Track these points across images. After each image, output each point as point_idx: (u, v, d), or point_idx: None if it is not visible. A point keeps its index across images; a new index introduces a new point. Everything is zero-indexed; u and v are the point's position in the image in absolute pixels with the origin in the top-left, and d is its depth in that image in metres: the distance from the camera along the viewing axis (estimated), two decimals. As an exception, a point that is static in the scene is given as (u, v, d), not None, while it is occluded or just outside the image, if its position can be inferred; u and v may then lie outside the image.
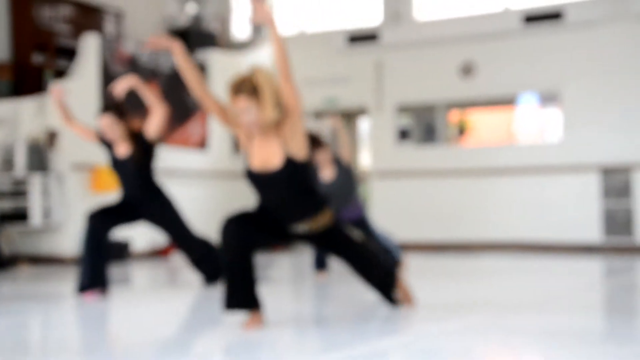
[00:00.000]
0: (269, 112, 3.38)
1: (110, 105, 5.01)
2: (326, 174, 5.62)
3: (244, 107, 3.39)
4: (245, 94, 3.39)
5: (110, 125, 4.87)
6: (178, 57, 3.50)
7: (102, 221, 4.81)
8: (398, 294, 3.87)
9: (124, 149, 4.95)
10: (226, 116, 3.53)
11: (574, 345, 2.88)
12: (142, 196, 4.93)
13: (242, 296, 3.29)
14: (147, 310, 4.40)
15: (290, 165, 3.40)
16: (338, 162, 5.78)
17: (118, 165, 4.95)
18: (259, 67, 3.44)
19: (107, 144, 5.03)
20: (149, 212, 4.97)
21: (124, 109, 5.01)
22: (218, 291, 4.97)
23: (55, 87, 5.15)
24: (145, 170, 4.94)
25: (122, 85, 4.76)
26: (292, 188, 3.44)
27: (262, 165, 3.43)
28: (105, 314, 4.12)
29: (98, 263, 4.68)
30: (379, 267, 3.75)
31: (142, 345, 3.17)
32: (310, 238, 3.58)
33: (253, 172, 3.46)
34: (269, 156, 3.45)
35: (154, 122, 4.91)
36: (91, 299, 4.57)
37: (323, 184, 5.67)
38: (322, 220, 3.51)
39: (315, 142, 5.51)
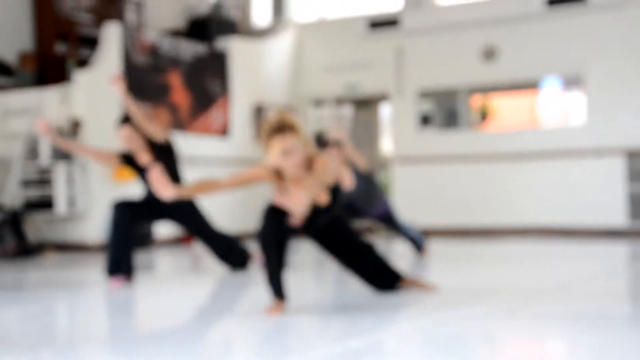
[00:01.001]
0: (310, 146, 3.39)
1: (128, 116, 4.97)
2: (345, 183, 5.66)
3: (292, 144, 3.31)
4: (289, 131, 3.32)
5: (130, 137, 4.91)
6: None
7: (129, 210, 4.84)
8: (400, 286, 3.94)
9: (145, 159, 4.99)
10: (258, 178, 3.46)
11: (598, 330, 2.87)
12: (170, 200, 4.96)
13: (277, 285, 3.36)
14: (170, 297, 4.44)
15: (333, 196, 3.54)
16: (356, 170, 5.82)
17: (144, 174, 4.98)
18: (282, 109, 3.43)
19: (129, 160, 5.03)
20: (175, 213, 5.03)
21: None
22: (241, 278, 5.00)
23: (40, 122, 5.01)
24: (170, 173, 4.97)
25: (116, 89, 4.77)
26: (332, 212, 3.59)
27: (303, 207, 3.18)
28: (129, 301, 4.16)
29: (125, 249, 4.72)
30: (383, 273, 3.85)
31: (166, 332, 3.20)
32: (322, 234, 3.67)
33: (289, 214, 3.37)
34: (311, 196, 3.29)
35: (151, 128, 4.88)
36: (116, 285, 4.62)
37: (343, 193, 5.70)
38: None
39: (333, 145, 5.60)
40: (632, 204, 9.16)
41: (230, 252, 5.20)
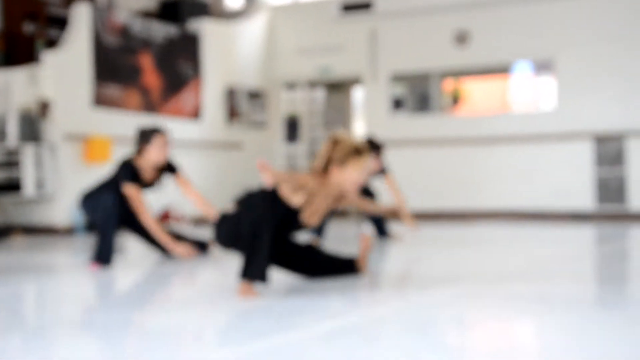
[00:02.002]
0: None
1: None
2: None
3: (366, 169, 3.46)
4: (366, 157, 3.46)
5: (166, 144, 4.91)
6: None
7: (119, 202, 4.81)
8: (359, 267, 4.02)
9: (150, 176, 4.98)
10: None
11: (565, 312, 2.91)
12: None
13: (264, 267, 3.34)
14: (144, 282, 4.42)
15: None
16: None
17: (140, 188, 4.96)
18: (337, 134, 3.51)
19: (136, 178, 4.90)
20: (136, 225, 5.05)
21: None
22: (208, 261, 4.99)
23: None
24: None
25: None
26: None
27: (318, 216, 3.51)
28: (102, 286, 4.13)
29: (114, 238, 4.69)
30: (340, 266, 3.92)
31: (138, 317, 3.18)
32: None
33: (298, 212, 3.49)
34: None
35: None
36: (94, 269, 4.58)
37: None
38: None
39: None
40: (599, 188, 9.29)
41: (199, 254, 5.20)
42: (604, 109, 9.30)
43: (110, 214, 4.65)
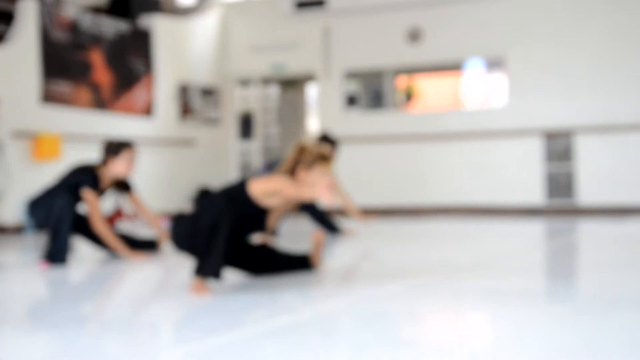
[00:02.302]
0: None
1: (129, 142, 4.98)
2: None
3: (330, 176, 3.69)
4: (330, 165, 3.69)
5: (134, 160, 4.91)
6: None
7: (72, 204, 4.76)
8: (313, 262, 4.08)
9: (105, 187, 4.97)
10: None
11: (516, 304, 2.95)
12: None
13: (218, 264, 3.32)
14: (92, 279, 4.35)
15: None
16: None
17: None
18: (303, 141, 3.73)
19: (96, 186, 4.87)
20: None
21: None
22: (157, 259, 4.94)
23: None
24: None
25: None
26: None
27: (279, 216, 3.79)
28: (54, 283, 4.05)
29: (69, 237, 4.63)
30: (293, 263, 3.98)
31: (91, 315, 3.13)
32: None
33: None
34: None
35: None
36: (44, 267, 4.50)
37: None
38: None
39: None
40: (549, 183, 9.46)
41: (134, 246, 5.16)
42: (553, 105, 9.47)
43: (65, 213, 4.59)
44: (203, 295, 3.29)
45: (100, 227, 4.82)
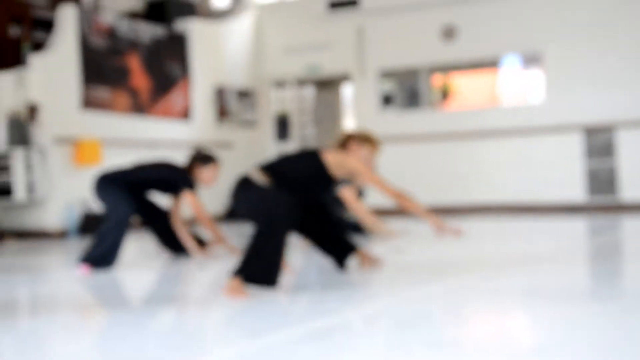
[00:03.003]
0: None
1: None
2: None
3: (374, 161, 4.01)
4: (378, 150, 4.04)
5: (217, 175, 5.16)
6: None
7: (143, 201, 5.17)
8: (355, 260, 4.15)
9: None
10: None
11: (558, 304, 2.91)
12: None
13: (268, 273, 3.32)
14: (130, 282, 4.40)
15: None
16: None
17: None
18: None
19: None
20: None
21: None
22: (185, 262, 4.97)
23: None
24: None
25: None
26: None
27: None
28: (93, 287, 4.11)
29: (121, 243, 4.76)
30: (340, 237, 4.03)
31: (131, 318, 3.17)
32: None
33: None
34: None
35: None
36: (85, 272, 4.57)
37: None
38: None
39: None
40: (590, 180, 9.32)
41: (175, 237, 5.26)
42: (593, 100, 9.32)
43: (123, 223, 4.75)
44: (239, 298, 3.25)
45: (182, 226, 5.12)
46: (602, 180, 9.26)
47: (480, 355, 2.15)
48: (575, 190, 9.37)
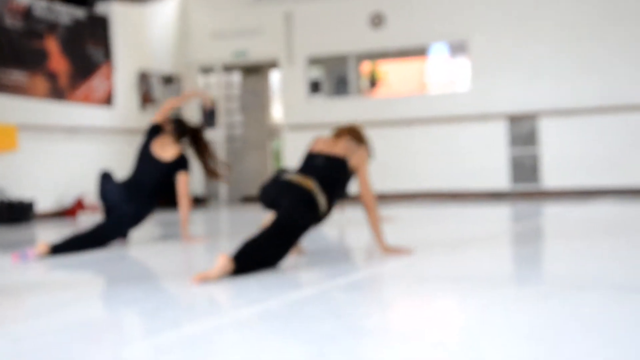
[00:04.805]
0: None
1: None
2: None
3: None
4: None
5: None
6: None
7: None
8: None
9: (166, 154, 5.19)
10: None
11: (482, 289, 2.91)
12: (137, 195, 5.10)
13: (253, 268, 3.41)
14: (58, 276, 4.21)
15: None
16: None
17: (148, 158, 5.15)
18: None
19: (153, 131, 5.25)
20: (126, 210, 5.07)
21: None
22: (125, 251, 4.81)
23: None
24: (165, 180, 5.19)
25: None
26: None
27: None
28: (30, 278, 3.90)
29: (93, 247, 4.76)
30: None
31: (45, 306, 3.00)
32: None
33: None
34: None
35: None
36: (16, 259, 4.40)
37: None
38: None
39: None
40: (513, 167, 9.49)
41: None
42: (517, 89, 9.48)
43: (120, 232, 4.90)
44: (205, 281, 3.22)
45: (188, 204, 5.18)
46: (526, 168, 9.44)
47: (406, 341, 2.10)
48: (500, 178, 9.53)
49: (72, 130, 8.79)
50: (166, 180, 5.18)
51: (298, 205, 3.58)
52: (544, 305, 2.53)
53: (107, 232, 4.83)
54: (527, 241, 4.80)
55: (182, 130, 5.30)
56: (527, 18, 9.45)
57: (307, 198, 3.63)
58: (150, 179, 5.10)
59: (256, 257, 3.39)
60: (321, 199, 3.67)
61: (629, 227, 5.44)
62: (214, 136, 11.24)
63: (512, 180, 9.49)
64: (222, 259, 3.26)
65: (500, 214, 7.15)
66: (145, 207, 5.04)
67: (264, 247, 3.40)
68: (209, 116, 11.34)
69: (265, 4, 10.60)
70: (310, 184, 3.69)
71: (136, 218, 5.00)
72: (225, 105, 11.51)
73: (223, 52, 10.89)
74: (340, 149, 3.96)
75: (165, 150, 5.20)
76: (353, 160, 3.90)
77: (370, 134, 10.08)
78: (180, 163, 5.19)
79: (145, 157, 5.18)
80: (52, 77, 8.66)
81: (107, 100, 9.53)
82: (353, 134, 4.13)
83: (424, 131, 9.90)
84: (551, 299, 2.64)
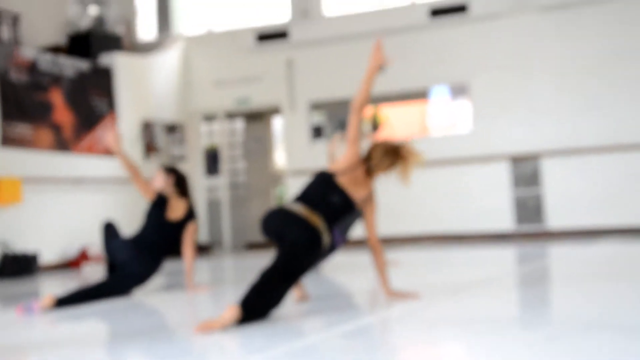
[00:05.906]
0: None
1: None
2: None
3: None
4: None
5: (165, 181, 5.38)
6: None
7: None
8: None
9: (177, 213, 5.25)
10: None
11: (488, 333, 2.88)
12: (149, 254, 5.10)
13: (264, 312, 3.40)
14: (75, 325, 4.19)
15: None
16: None
17: (161, 222, 5.18)
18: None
19: (161, 202, 5.28)
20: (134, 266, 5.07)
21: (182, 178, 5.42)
22: (130, 301, 4.79)
23: (110, 134, 5.41)
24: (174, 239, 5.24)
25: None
26: None
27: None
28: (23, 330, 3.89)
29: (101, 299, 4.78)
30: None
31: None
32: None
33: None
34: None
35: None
36: (20, 312, 4.41)
37: None
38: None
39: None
40: (517, 208, 9.47)
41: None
42: (518, 129, 9.52)
43: (127, 290, 4.91)
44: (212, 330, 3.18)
45: (193, 255, 5.23)
46: (529, 209, 9.43)
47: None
48: (504, 219, 9.50)
49: (77, 181, 8.84)
50: (178, 237, 5.23)
51: (303, 243, 3.53)
52: (551, 348, 2.51)
53: (113, 289, 4.84)
54: (533, 284, 4.77)
55: (180, 181, 5.42)
56: (526, 60, 9.53)
57: (312, 235, 3.57)
58: (161, 238, 5.14)
59: (264, 302, 3.36)
60: (326, 238, 3.64)
61: (633, 268, 5.41)
62: (217, 183, 11.27)
63: (517, 221, 9.47)
64: (230, 311, 3.23)
65: (505, 256, 7.12)
66: (153, 266, 5.06)
67: (270, 291, 3.37)
68: (212, 163, 11.39)
69: (266, 51, 10.73)
70: (317, 220, 3.63)
71: (143, 277, 5.01)
72: (229, 153, 11.56)
73: (225, 100, 10.99)
74: (361, 194, 3.92)
75: (175, 210, 5.26)
76: (367, 209, 3.87)
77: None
78: (190, 215, 5.27)
79: (158, 221, 5.21)
80: (56, 129, 8.74)
81: (111, 150, 9.58)
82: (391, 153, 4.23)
83: (426, 174, 9.90)
84: (558, 342, 2.61)
